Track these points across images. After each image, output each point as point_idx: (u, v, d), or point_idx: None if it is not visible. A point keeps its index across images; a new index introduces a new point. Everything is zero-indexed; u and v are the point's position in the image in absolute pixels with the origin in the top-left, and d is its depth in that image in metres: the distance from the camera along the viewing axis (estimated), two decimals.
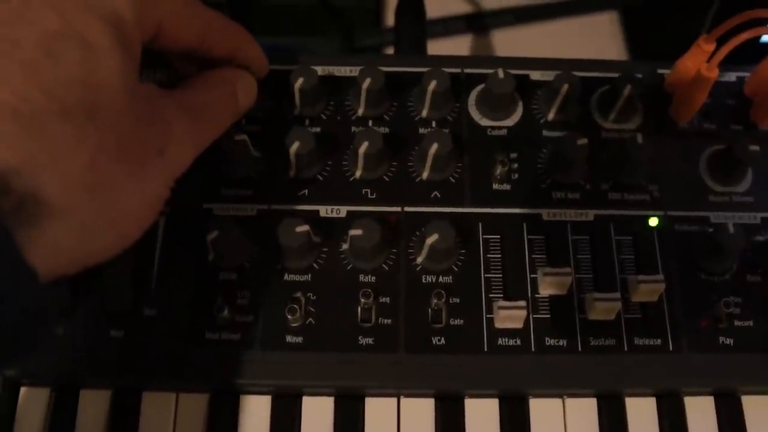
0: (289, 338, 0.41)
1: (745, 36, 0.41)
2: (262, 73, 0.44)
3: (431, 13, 0.58)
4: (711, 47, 0.43)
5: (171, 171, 0.35)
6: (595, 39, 0.65)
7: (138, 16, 0.34)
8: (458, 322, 0.41)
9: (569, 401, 0.42)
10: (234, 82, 0.41)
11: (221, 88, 0.40)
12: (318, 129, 0.45)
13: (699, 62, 0.43)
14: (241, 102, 0.41)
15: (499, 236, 0.43)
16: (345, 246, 0.42)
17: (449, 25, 0.62)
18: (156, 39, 0.37)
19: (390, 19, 0.64)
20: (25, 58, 0.29)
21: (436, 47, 0.62)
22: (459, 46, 0.64)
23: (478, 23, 0.63)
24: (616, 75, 0.45)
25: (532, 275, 0.42)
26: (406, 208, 0.43)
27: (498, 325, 0.41)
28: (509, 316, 0.40)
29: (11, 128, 0.27)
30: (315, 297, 0.41)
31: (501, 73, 0.44)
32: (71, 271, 0.30)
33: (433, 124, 0.45)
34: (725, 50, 0.42)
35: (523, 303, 0.40)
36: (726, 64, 0.46)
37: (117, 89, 0.31)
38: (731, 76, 0.48)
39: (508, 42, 0.64)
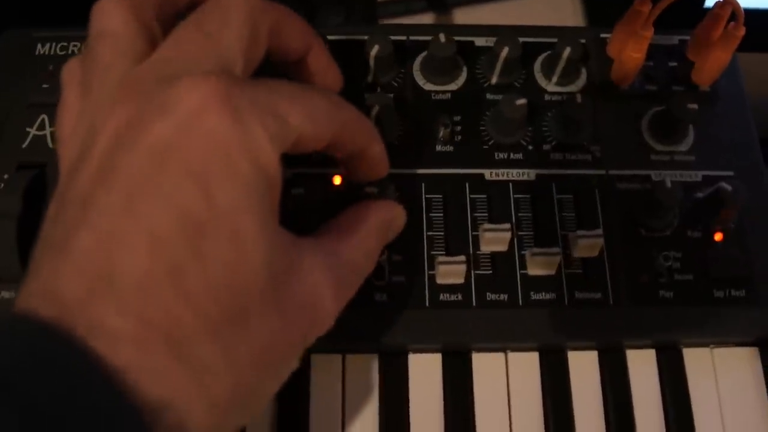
0: None
1: None
2: (382, 175, 0.39)
3: None
4: (647, 8, 0.44)
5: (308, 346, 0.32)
6: (555, 16, 0.66)
7: (280, 151, 0.30)
8: (400, 278, 0.42)
9: (512, 355, 0.43)
10: (387, 227, 0.38)
11: (375, 241, 0.36)
12: None
13: (636, 23, 0.44)
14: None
15: (441, 196, 0.44)
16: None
17: (409, 4, 0.63)
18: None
19: None
20: (171, 259, 0.26)
21: None
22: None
23: (438, 1, 0.64)
24: None
25: (474, 233, 0.43)
26: None
27: (439, 280, 0.42)
28: (449, 271, 0.41)
29: (163, 358, 0.25)
30: None
31: (443, 37, 0.45)
32: None
33: (378, 89, 0.46)
34: (659, 8, 0.42)
35: (462, 258, 0.41)
36: (668, 28, 0.47)
37: (263, 287, 0.28)
38: (673, 39, 0.49)
39: (468, 20, 0.64)
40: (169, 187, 0.26)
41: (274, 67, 0.38)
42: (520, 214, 0.43)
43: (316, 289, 0.31)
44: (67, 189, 0.28)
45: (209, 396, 0.26)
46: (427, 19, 0.65)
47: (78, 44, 0.48)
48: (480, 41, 0.48)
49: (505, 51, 0.44)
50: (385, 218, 0.37)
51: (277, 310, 0.29)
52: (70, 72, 0.35)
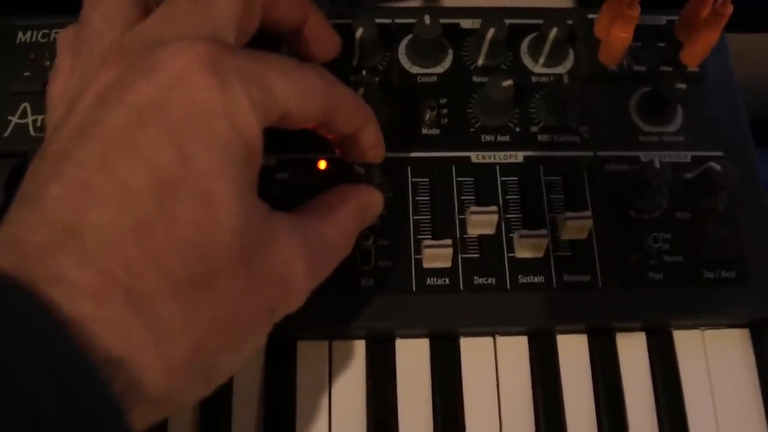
0: None
1: None
2: (379, 159, 0.39)
3: None
4: None
5: (275, 322, 0.32)
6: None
7: (263, 123, 0.30)
8: (387, 263, 0.41)
9: (500, 339, 0.42)
10: (365, 211, 0.37)
11: (353, 223, 0.36)
12: None
13: (623, 1, 0.44)
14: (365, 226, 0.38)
15: (427, 179, 0.43)
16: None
17: None
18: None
19: None
20: (139, 214, 0.25)
21: None
22: None
23: None
24: None
25: (460, 216, 0.42)
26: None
27: (426, 265, 0.41)
28: (436, 255, 0.41)
29: (122, 312, 0.25)
30: None
31: (428, 20, 0.44)
32: None
33: (364, 72, 0.46)
34: None
35: (449, 242, 0.40)
36: (656, 8, 0.46)
37: (233, 253, 0.27)
38: (661, 20, 0.48)
39: (457, 5, 0.64)
40: (145, 144, 0.26)
41: (274, 38, 0.38)
42: (507, 197, 0.43)
43: (289, 264, 0.31)
44: (48, 145, 0.28)
45: (166, 356, 0.26)
46: (415, 3, 0.64)
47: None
48: (466, 23, 0.47)
49: (491, 32, 0.44)
50: (363, 202, 0.37)
51: (246, 278, 0.28)
52: (64, 39, 0.35)
